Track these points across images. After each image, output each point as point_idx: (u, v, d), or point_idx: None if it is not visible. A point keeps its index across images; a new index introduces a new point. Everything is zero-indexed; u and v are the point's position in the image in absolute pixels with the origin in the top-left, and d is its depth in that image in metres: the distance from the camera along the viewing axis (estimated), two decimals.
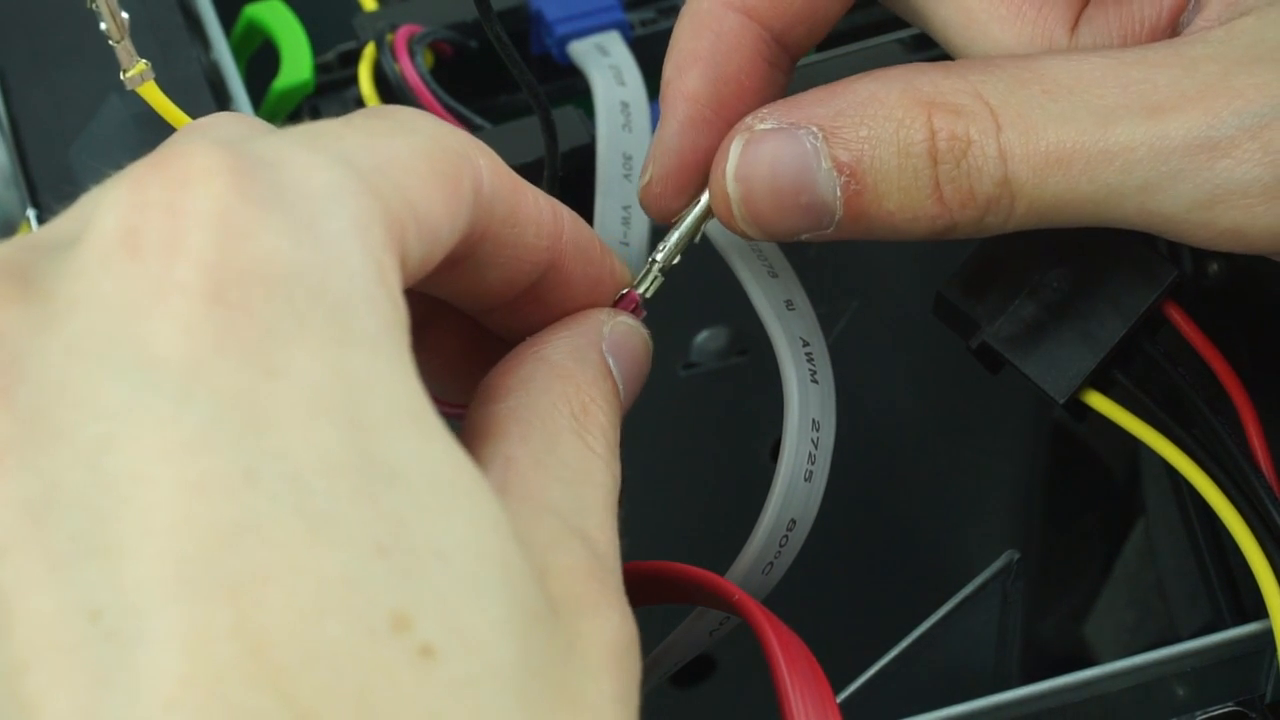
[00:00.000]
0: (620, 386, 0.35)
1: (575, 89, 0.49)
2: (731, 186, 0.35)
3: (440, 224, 0.30)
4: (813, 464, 0.36)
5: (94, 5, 0.34)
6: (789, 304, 0.38)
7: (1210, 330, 0.38)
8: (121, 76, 0.36)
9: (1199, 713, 0.40)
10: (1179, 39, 0.35)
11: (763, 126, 0.35)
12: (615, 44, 0.48)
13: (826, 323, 0.39)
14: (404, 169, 0.30)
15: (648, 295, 0.37)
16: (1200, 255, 0.43)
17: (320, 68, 0.51)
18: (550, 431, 0.32)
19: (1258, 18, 0.34)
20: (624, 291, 0.36)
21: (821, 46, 0.54)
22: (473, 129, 0.47)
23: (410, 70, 0.47)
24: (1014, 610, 0.50)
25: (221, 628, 0.24)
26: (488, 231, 0.32)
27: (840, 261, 0.51)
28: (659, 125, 0.37)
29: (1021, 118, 0.33)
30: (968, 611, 0.48)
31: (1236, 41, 0.34)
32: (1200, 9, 0.35)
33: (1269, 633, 0.39)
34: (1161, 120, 0.33)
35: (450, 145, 0.31)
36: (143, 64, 0.36)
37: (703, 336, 0.51)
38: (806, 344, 0.38)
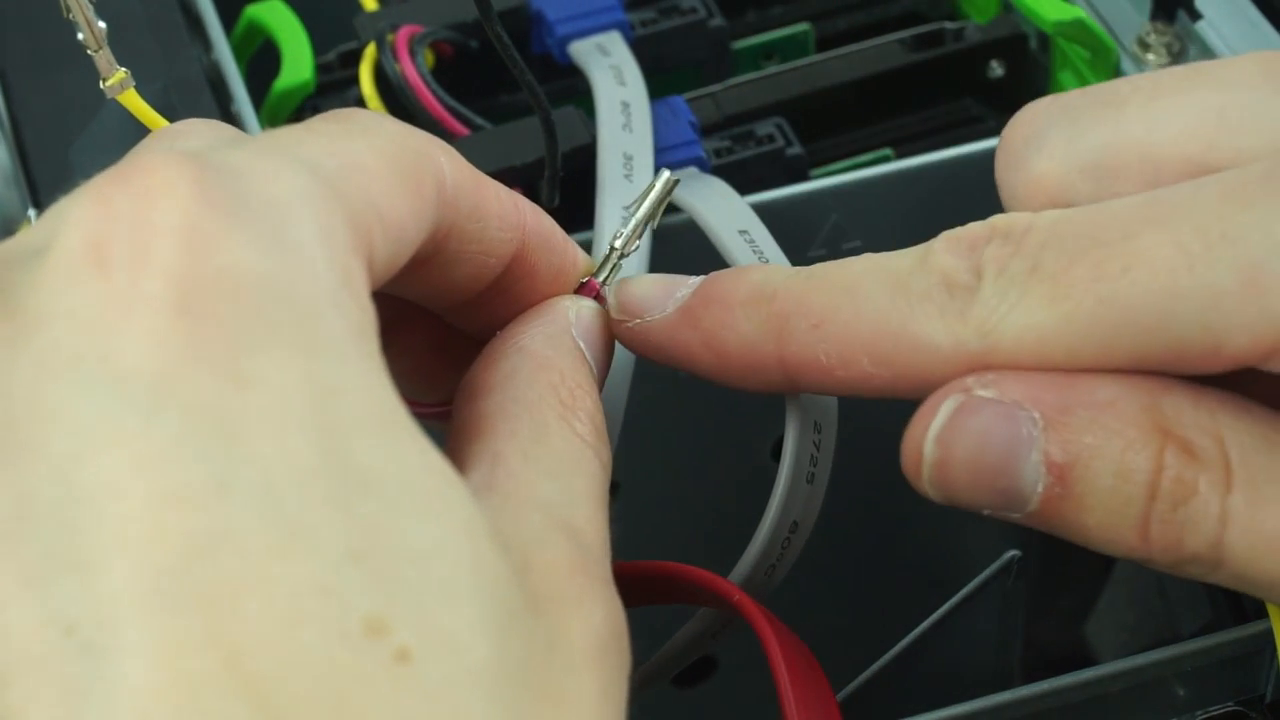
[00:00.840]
0: (594, 370, 0.35)
1: (576, 89, 0.49)
2: (929, 448, 0.32)
3: (405, 224, 0.30)
4: (815, 466, 0.36)
5: (70, 15, 0.34)
6: None
7: None
8: (101, 85, 0.36)
9: (1199, 712, 0.40)
10: None
11: (982, 394, 0.31)
12: (616, 44, 0.48)
13: None
14: (367, 171, 0.30)
15: (608, 282, 0.37)
16: None
17: (321, 68, 0.51)
18: (539, 423, 0.32)
19: None
20: (585, 280, 0.37)
21: (822, 46, 0.54)
22: (474, 129, 0.47)
23: (411, 70, 0.47)
24: (1014, 610, 0.50)
25: (197, 638, 0.24)
26: (453, 228, 0.32)
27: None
28: None
29: (1255, 485, 0.30)
30: (968, 611, 0.48)
31: None
32: None
33: (1269, 633, 0.39)
34: None
35: (411, 145, 0.31)
36: (122, 72, 0.36)
37: None
38: None
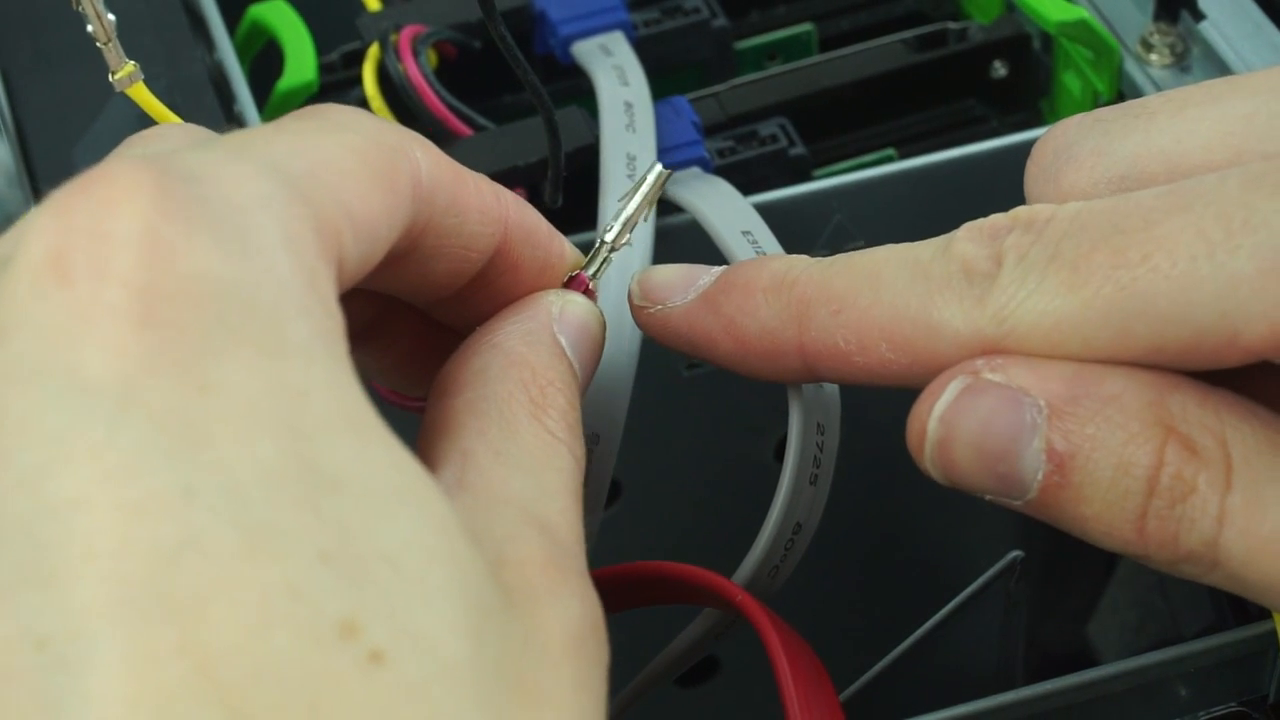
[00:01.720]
0: (576, 366, 0.34)
1: (579, 89, 0.49)
2: (933, 426, 0.32)
3: (378, 222, 0.30)
4: (817, 467, 0.36)
5: (80, 7, 0.34)
6: None
7: None
8: (110, 79, 0.36)
9: (1202, 713, 0.40)
10: None
11: (991, 376, 0.31)
12: (619, 44, 0.48)
13: None
14: (337, 170, 0.30)
15: (598, 277, 0.37)
16: None
17: (324, 68, 0.51)
18: (508, 420, 0.32)
19: None
20: (574, 274, 0.36)
21: (825, 47, 0.54)
22: (477, 129, 0.47)
23: (414, 70, 0.47)
24: (1017, 610, 0.50)
25: (168, 647, 0.24)
26: (430, 224, 0.32)
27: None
28: None
29: (1255, 486, 0.30)
30: (971, 611, 0.48)
31: None
32: None
33: (1272, 633, 0.39)
34: None
35: (385, 140, 0.31)
36: (131, 65, 0.36)
37: None
38: None
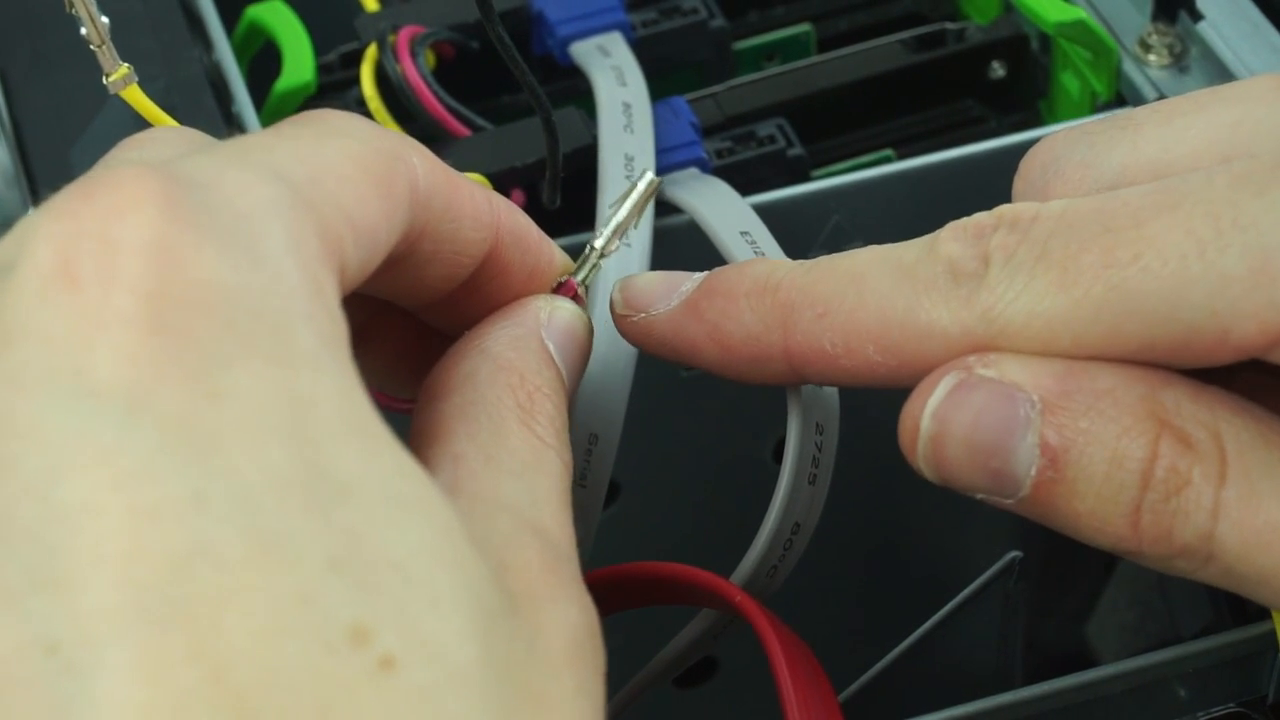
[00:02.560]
0: (564, 372, 0.34)
1: (577, 90, 0.49)
2: (926, 422, 0.32)
3: (377, 228, 0.30)
4: (816, 467, 0.36)
5: (73, 10, 0.34)
6: None
7: None
8: (104, 81, 0.36)
9: (1201, 713, 0.40)
10: None
11: (984, 372, 0.31)
12: (617, 45, 0.48)
13: None
14: (337, 176, 0.30)
15: (587, 283, 0.37)
16: None
17: (322, 68, 0.51)
18: (498, 425, 0.32)
19: None
20: (563, 279, 0.36)
21: (824, 47, 0.54)
22: (475, 130, 0.47)
23: (412, 71, 0.47)
24: (1016, 611, 0.50)
25: (179, 653, 0.24)
26: (425, 229, 0.32)
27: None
28: None
29: (1249, 479, 0.30)
30: (969, 612, 0.48)
31: None
32: None
33: (1271, 634, 0.39)
34: None
35: (383, 146, 0.31)
36: (125, 68, 0.36)
37: None
38: None
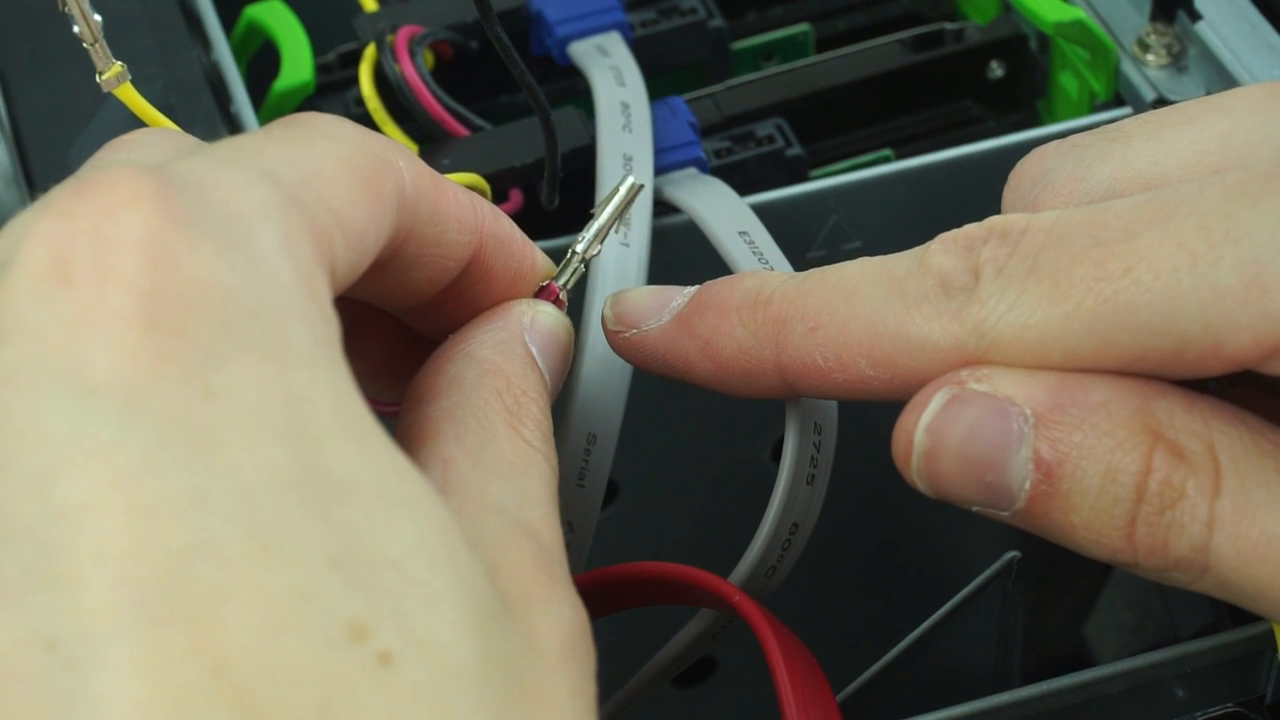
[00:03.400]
0: (546, 376, 0.35)
1: (575, 90, 0.49)
2: (920, 437, 0.32)
3: (366, 230, 0.30)
4: (815, 467, 0.36)
5: (66, 8, 0.34)
6: None
7: None
8: (97, 79, 0.36)
9: (1199, 713, 0.40)
10: None
11: (976, 387, 0.31)
12: (616, 45, 0.48)
13: None
14: (327, 179, 0.30)
15: (569, 287, 0.37)
16: None
17: (321, 68, 0.51)
18: (485, 428, 0.32)
19: None
20: (545, 284, 0.37)
21: (822, 47, 0.54)
22: (473, 130, 0.47)
23: (410, 71, 0.47)
24: (1014, 611, 0.50)
25: (180, 650, 0.24)
26: (411, 232, 0.33)
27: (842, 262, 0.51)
28: None
29: (1243, 490, 0.30)
30: (968, 612, 0.48)
31: None
32: None
33: (1269, 634, 0.39)
34: None
35: (371, 150, 0.31)
36: (118, 66, 0.36)
37: None
38: None
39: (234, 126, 0.48)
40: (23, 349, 0.26)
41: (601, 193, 0.43)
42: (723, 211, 0.42)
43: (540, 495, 0.32)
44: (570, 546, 0.36)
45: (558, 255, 0.38)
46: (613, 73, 0.47)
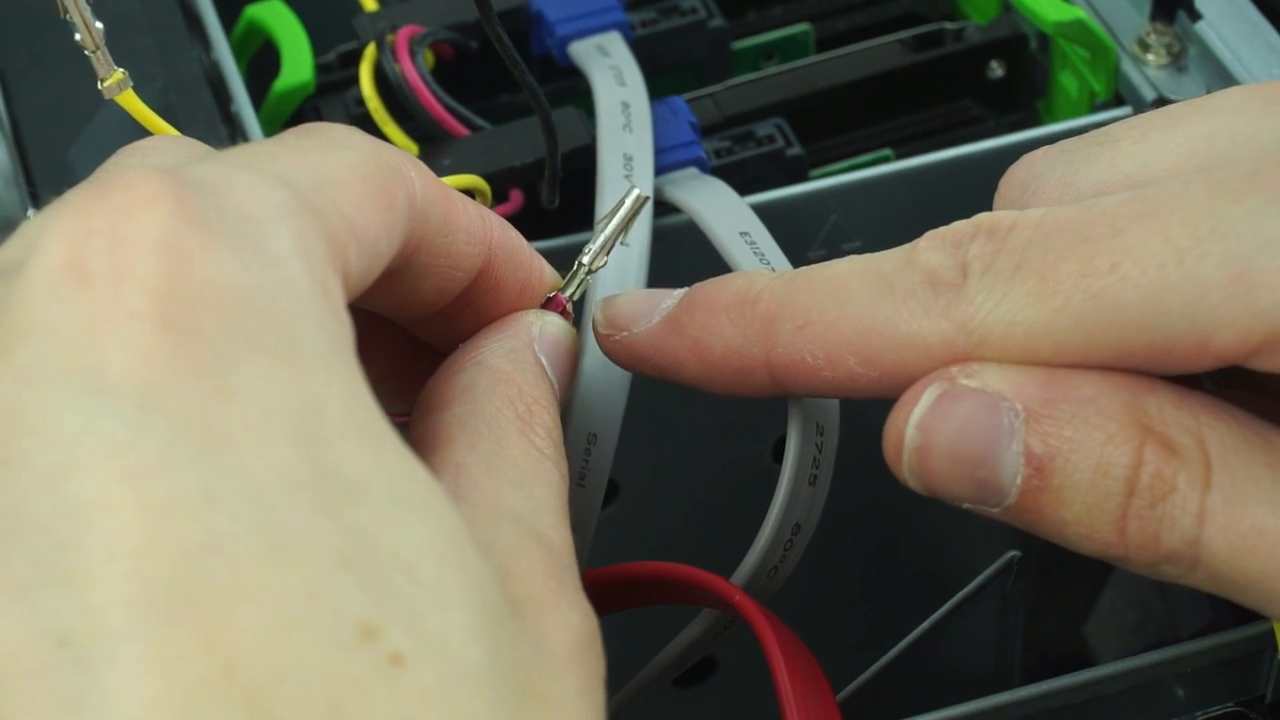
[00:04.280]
0: (555, 385, 0.35)
1: (576, 89, 0.49)
2: (911, 433, 0.32)
3: (378, 238, 0.31)
4: (816, 468, 0.36)
5: (67, 15, 0.34)
6: None
7: None
8: (99, 86, 0.36)
9: (1199, 713, 0.40)
10: None
11: (967, 382, 0.31)
12: (616, 44, 0.48)
13: None
14: (340, 186, 0.30)
15: (574, 298, 0.37)
16: None
17: (321, 68, 0.51)
18: (497, 436, 0.32)
19: None
20: (551, 295, 0.37)
21: (823, 47, 0.54)
22: (473, 130, 0.47)
23: (411, 71, 0.47)
24: (1014, 610, 0.50)
25: (191, 648, 0.24)
26: (421, 242, 0.33)
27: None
28: None
29: (1234, 484, 0.30)
30: (968, 611, 0.48)
31: None
32: None
33: (1269, 634, 0.39)
34: None
35: (382, 159, 0.31)
36: (119, 73, 0.36)
37: None
38: None
39: (234, 126, 0.48)
40: (38, 347, 0.26)
41: (602, 193, 0.43)
42: (723, 211, 0.42)
43: (551, 503, 0.32)
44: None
45: (557, 256, 0.38)
46: (613, 72, 0.47)
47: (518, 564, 0.29)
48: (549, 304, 0.37)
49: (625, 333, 0.36)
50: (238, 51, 0.51)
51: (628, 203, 0.38)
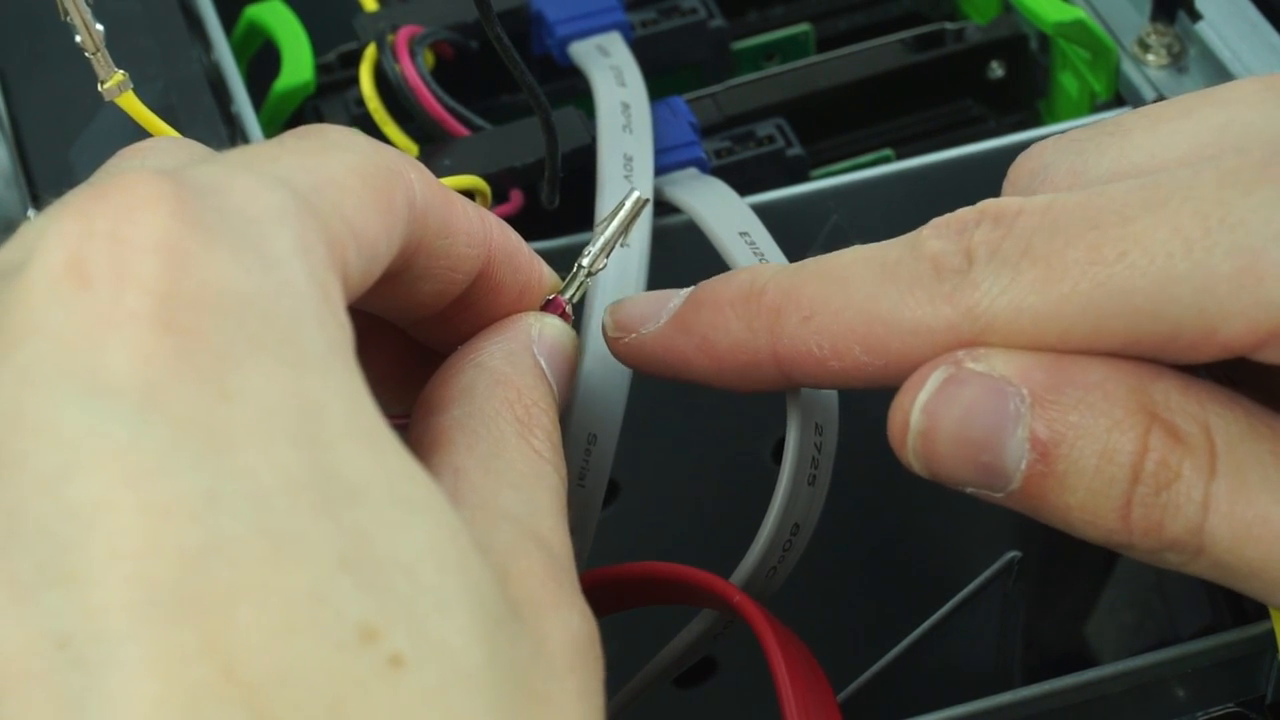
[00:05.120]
0: (554, 387, 0.35)
1: (576, 90, 0.49)
2: (916, 417, 0.31)
3: (378, 240, 0.31)
4: (815, 468, 0.36)
5: (67, 17, 0.34)
6: None
7: None
8: (99, 88, 0.36)
9: (1199, 713, 0.40)
10: None
11: (973, 367, 0.31)
12: (616, 45, 0.48)
13: None
14: (340, 188, 0.30)
15: (574, 300, 0.37)
16: None
17: (321, 68, 0.51)
18: (496, 438, 0.32)
19: None
20: (550, 297, 0.37)
21: (823, 47, 0.54)
22: (473, 130, 0.47)
23: (411, 71, 0.47)
24: (1014, 610, 0.50)
25: (192, 649, 0.24)
26: (421, 244, 0.33)
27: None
28: None
29: (1239, 472, 0.30)
30: (968, 612, 0.48)
31: None
32: None
33: (1270, 634, 0.39)
34: None
35: (382, 161, 0.31)
36: (120, 75, 0.36)
37: None
38: None
39: (234, 126, 0.48)
40: (39, 348, 0.26)
41: (602, 194, 0.43)
42: (723, 212, 0.42)
43: (550, 505, 0.32)
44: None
45: (557, 256, 0.38)
46: (613, 73, 0.47)
47: (517, 566, 0.29)
48: (548, 306, 0.37)
49: (634, 335, 0.36)
50: (238, 52, 0.51)
51: (627, 205, 0.38)
